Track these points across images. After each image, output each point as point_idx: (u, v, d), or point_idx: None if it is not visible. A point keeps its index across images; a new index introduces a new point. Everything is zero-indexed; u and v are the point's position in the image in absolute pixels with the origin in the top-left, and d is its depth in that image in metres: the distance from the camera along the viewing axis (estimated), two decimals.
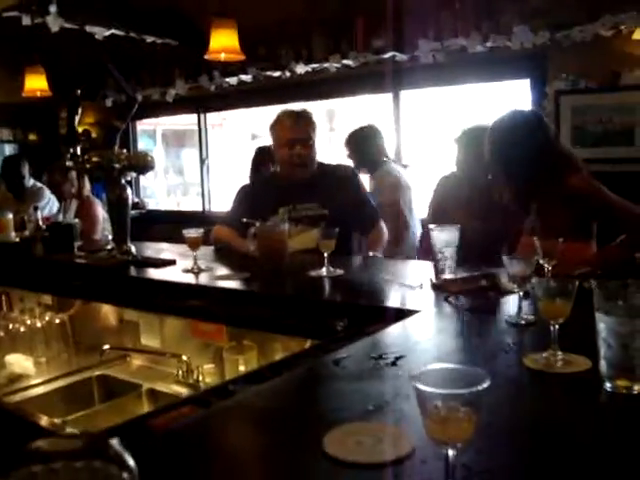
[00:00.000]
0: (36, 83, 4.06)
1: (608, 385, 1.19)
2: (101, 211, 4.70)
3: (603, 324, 1.19)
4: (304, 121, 3.06)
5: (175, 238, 3.59)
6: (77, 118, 3.11)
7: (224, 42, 2.92)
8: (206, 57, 3.05)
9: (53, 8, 4.47)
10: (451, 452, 0.77)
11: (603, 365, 1.20)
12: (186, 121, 8.86)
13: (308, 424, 1.06)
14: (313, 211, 3.03)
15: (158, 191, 9.25)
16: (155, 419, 1.08)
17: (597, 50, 4.26)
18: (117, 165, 2.79)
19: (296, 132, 3.03)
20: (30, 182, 5.26)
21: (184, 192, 9.82)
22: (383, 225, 3.17)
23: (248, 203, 3.15)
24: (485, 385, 0.74)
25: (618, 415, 1.12)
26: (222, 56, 3.00)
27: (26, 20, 4.44)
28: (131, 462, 0.47)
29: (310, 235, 2.86)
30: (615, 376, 1.18)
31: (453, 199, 3.21)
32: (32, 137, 7.82)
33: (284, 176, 3.15)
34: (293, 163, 3.04)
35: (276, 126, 3.11)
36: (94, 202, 4.76)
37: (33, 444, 0.50)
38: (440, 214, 3.18)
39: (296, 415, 1.12)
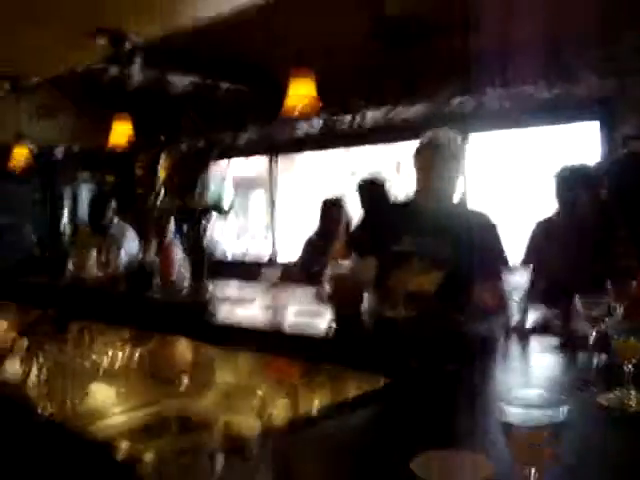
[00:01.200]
0: (123, 130, 4.28)
1: None
2: (178, 253, 4.86)
3: None
4: (439, 148, 2.97)
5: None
6: (161, 162, 3.30)
7: (302, 92, 3.04)
8: (282, 114, 3.13)
9: (138, 59, 4.74)
10: (532, 475, 0.83)
11: None
12: (257, 165, 9.10)
13: (393, 452, 1.12)
14: (440, 251, 2.90)
15: (227, 235, 9.42)
16: None
17: None
18: (197, 208, 2.94)
19: (427, 158, 2.98)
20: (115, 220, 5.47)
21: (253, 236, 9.99)
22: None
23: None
24: (566, 415, 0.80)
25: None
26: (296, 113, 3.08)
27: (113, 71, 4.73)
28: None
29: (431, 278, 2.81)
30: None
31: (554, 244, 3.20)
32: (109, 179, 8.17)
33: (417, 202, 3.07)
34: (422, 189, 3.00)
35: (417, 150, 3.06)
36: (173, 243, 4.92)
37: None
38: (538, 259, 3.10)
39: (381, 445, 1.18)
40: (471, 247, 2.85)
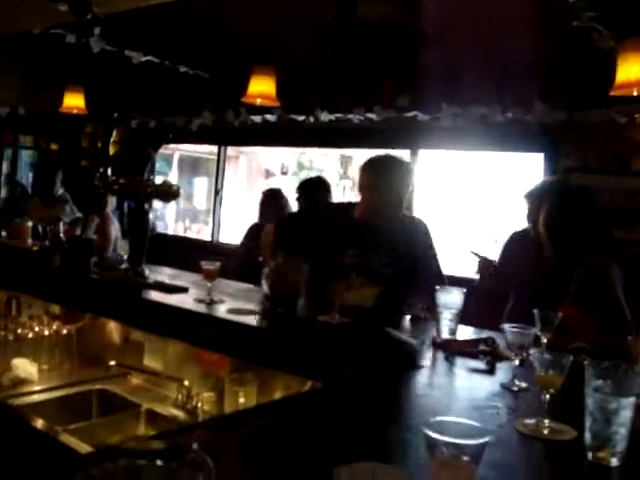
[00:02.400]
0: (74, 101, 4.22)
1: (590, 455, 1.29)
2: (114, 229, 4.83)
3: (592, 399, 1.30)
4: (384, 167, 3.06)
5: (182, 263, 3.69)
6: (111, 139, 3.26)
7: (262, 89, 3.07)
8: (243, 100, 3.18)
9: (97, 30, 4.65)
10: None
11: (587, 436, 1.31)
12: (203, 149, 9.07)
13: (317, 460, 1.17)
14: (379, 266, 2.99)
15: (168, 215, 9.40)
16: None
17: (610, 133, 4.44)
18: (145, 191, 2.92)
19: (371, 177, 3.04)
20: (60, 191, 5.39)
21: (193, 219, 9.97)
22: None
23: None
24: (486, 440, 0.85)
25: None
26: (258, 101, 3.14)
27: (70, 38, 4.62)
28: (209, 464, 0.57)
29: (370, 292, 2.91)
30: (597, 448, 1.29)
31: (522, 257, 3.26)
32: (53, 146, 7.99)
33: (360, 217, 3.08)
34: (365, 207, 3.04)
35: (369, 166, 3.12)
36: (110, 219, 4.89)
37: (124, 442, 0.61)
38: (508, 269, 3.30)
39: (306, 449, 1.22)
40: (409, 260, 2.98)
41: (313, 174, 5.03)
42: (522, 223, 3.40)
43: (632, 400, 1.27)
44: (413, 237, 3.09)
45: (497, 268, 3.42)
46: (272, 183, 8.79)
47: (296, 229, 3.20)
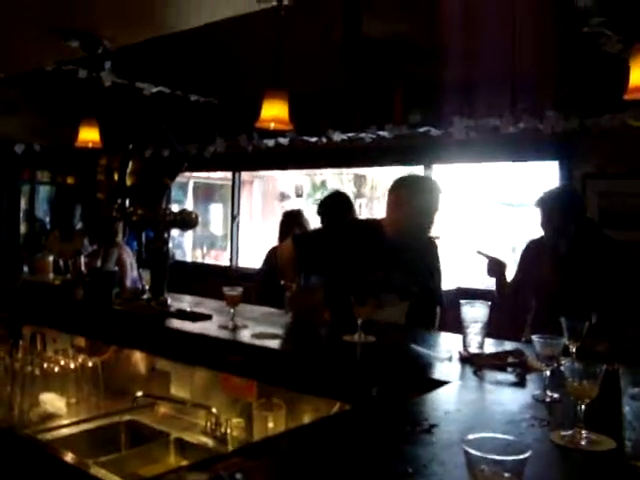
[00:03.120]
0: (89, 135, 4.27)
1: (631, 465, 1.27)
2: (128, 258, 4.86)
3: (629, 407, 1.27)
4: (420, 188, 3.11)
5: (202, 290, 3.70)
6: (127, 170, 3.28)
7: (275, 113, 3.09)
8: (256, 125, 3.20)
9: (108, 64, 4.72)
10: None
11: (628, 446, 1.28)
12: (218, 175, 9.13)
13: None
14: (407, 284, 3.05)
15: (185, 242, 9.44)
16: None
17: (624, 137, 4.42)
18: (163, 220, 2.94)
19: (433, 204, 3.05)
20: (78, 225, 5.45)
21: (210, 245, 10.01)
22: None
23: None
24: (527, 455, 0.84)
25: None
26: (272, 125, 3.16)
27: (82, 73, 4.70)
28: None
29: (400, 309, 2.97)
30: (638, 457, 1.26)
31: (539, 263, 3.31)
32: (70, 180, 8.09)
33: (392, 236, 3.07)
34: (398, 225, 3.04)
35: (413, 189, 3.11)
36: (123, 249, 4.93)
37: (163, 477, 0.60)
38: (526, 277, 3.36)
39: (341, 472, 1.21)
40: (430, 278, 3.12)
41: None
42: (538, 231, 3.41)
43: None
44: (432, 256, 3.22)
45: (515, 276, 3.46)
46: (287, 206, 8.82)
47: (319, 248, 3.18)
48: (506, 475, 0.85)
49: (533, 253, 3.40)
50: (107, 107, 5.14)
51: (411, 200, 3.02)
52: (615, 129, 4.39)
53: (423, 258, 3.13)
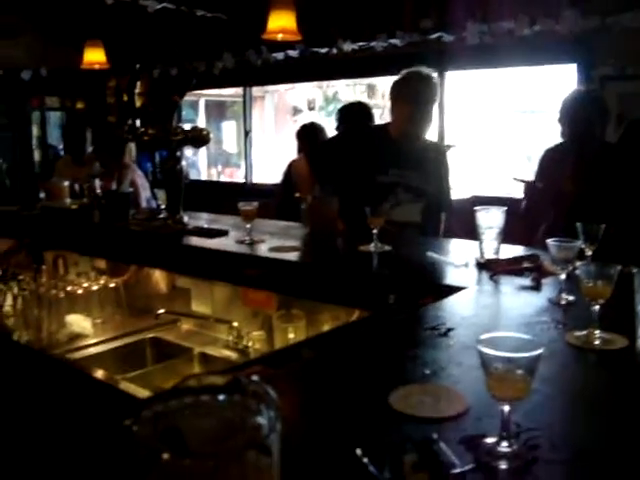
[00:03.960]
0: (95, 56, 4.20)
1: None
2: (139, 179, 4.87)
3: None
4: (425, 81, 3.12)
5: (218, 208, 3.71)
6: (136, 91, 3.25)
7: (282, 23, 3.01)
8: (264, 37, 3.13)
9: None
10: (507, 408, 0.89)
11: None
12: (228, 92, 9.01)
13: (373, 384, 1.20)
14: (421, 183, 3.11)
15: (199, 162, 9.42)
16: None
17: None
18: (175, 139, 2.92)
19: (424, 93, 3.08)
20: (89, 149, 5.43)
21: (225, 163, 9.98)
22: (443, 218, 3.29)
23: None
24: (539, 352, 0.86)
25: None
26: (279, 36, 3.08)
27: None
28: (273, 396, 0.58)
29: (416, 208, 3.05)
30: None
31: (560, 170, 3.23)
32: (79, 105, 8.02)
33: (399, 135, 3.14)
34: (408, 119, 3.08)
35: (404, 82, 3.15)
36: (136, 170, 4.94)
37: (183, 381, 0.62)
38: (545, 184, 3.29)
39: (361, 376, 1.25)
40: (440, 179, 3.18)
41: (340, 107, 4.93)
42: (555, 138, 3.35)
43: None
44: (440, 163, 3.26)
45: (534, 185, 3.40)
46: (300, 120, 8.71)
47: (332, 156, 3.23)
48: (519, 372, 0.87)
49: (553, 161, 3.33)
50: (111, 27, 5.05)
51: (402, 94, 3.10)
52: (636, 28, 4.24)
53: (432, 162, 3.18)
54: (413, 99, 3.05)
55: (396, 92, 3.16)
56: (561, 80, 5.29)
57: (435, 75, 3.24)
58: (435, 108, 3.19)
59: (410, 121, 3.08)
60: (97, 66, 4.26)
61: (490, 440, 0.94)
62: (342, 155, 3.15)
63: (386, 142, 3.14)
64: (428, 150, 3.21)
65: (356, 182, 3.02)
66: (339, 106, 4.94)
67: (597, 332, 1.44)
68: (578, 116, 3.13)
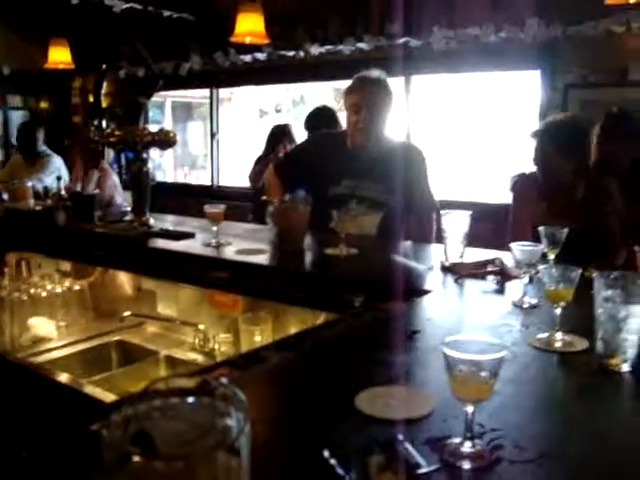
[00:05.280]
0: (60, 55, 4.15)
1: (602, 363, 1.33)
2: (109, 180, 4.84)
3: (602, 309, 1.32)
4: (372, 86, 3.00)
5: (185, 210, 3.70)
6: (102, 91, 3.22)
7: (250, 26, 3.01)
8: (232, 39, 3.13)
9: None
10: (470, 409, 0.91)
11: (599, 345, 1.34)
12: (195, 94, 8.96)
13: (339, 386, 1.21)
14: (377, 194, 2.99)
15: (166, 164, 9.35)
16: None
17: (607, 45, 4.36)
18: (142, 140, 2.90)
19: (360, 96, 2.98)
20: (42, 148, 5.38)
21: (191, 165, 9.92)
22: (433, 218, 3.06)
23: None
24: (502, 354, 0.88)
25: (607, 388, 1.27)
26: (247, 39, 3.08)
27: None
28: (241, 398, 0.59)
29: (372, 220, 2.89)
30: (608, 356, 1.32)
31: (535, 199, 3.06)
32: (43, 105, 7.91)
33: (351, 144, 3.07)
34: (355, 128, 3.00)
35: (350, 88, 3.08)
36: (108, 173, 4.90)
37: (152, 384, 0.63)
38: (523, 215, 3.05)
39: (327, 378, 1.26)
40: (404, 187, 2.95)
41: (308, 110, 4.97)
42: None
43: None
44: (407, 163, 3.04)
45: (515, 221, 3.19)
46: (267, 122, 8.71)
47: (294, 165, 3.20)
48: (483, 375, 0.89)
49: (529, 193, 3.12)
50: (77, 26, 4.99)
51: (365, 98, 2.98)
52: (598, 36, 4.33)
53: (397, 169, 2.97)
54: (360, 105, 2.97)
55: (345, 99, 3.08)
56: (526, 86, 5.38)
57: (386, 78, 3.08)
58: (391, 112, 3.07)
59: (359, 129, 2.99)
60: (62, 65, 4.21)
61: (454, 441, 0.96)
62: (304, 163, 3.13)
63: (342, 151, 3.06)
64: (393, 155, 3.03)
65: (316, 190, 2.91)
66: (305, 109, 4.99)
67: (559, 334, 1.47)
68: (543, 151, 2.99)
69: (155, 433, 0.56)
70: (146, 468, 0.52)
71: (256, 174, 4.89)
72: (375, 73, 3.06)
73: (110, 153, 5.25)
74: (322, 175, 3.01)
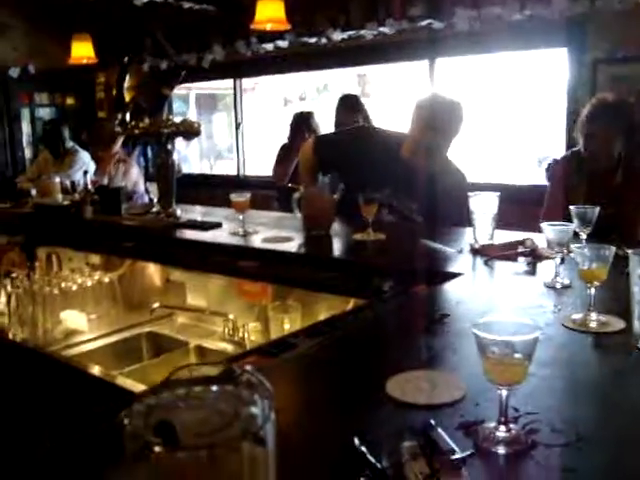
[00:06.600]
0: (83, 50, 4.17)
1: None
2: (135, 173, 4.88)
3: (638, 287, 1.28)
4: (446, 113, 2.92)
5: (212, 201, 3.70)
6: (125, 84, 3.22)
7: (270, 13, 2.99)
8: (252, 27, 3.11)
9: None
10: (504, 392, 0.89)
11: (636, 325, 1.30)
12: (219, 85, 8.96)
13: (369, 371, 1.19)
14: (408, 211, 2.94)
15: (192, 155, 9.38)
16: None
17: (636, 18, 4.26)
18: (166, 131, 2.91)
19: (433, 117, 2.90)
20: (69, 144, 5.44)
21: (217, 156, 9.94)
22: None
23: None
24: (536, 335, 0.85)
25: None
26: (268, 26, 3.06)
27: None
28: (266, 386, 0.57)
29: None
30: None
31: (573, 182, 3.05)
32: (70, 101, 7.97)
33: (409, 155, 2.99)
34: (419, 145, 2.92)
35: (419, 102, 3.00)
36: (132, 164, 4.94)
37: (177, 372, 0.61)
38: (562, 196, 3.01)
39: (357, 364, 1.24)
40: (438, 208, 2.86)
41: (332, 97, 4.98)
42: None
43: None
44: (449, 186, 2.94)
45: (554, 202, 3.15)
46: (292, 110, 8.69)
47: (340, 149, 3.10)
48: (517, 356, 0.86)
49: (567, 177, 3.07)
50: (99, 21, 5.01)
51: (437, 122, 2.89)
52: (626, 10, 4.22)
53: (436, 186, 2.91)
54: (431, 126, 2.89)
55: (415, 111, 2.98)
56: (553, 64, 5.28)
57: (457, 101, 2.97)
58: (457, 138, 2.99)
59: (424, 148, 2.92)
60: (85, 60, 4.23)
61: (488, 425, 0.93)
62: (348, 153, 3.02)
63: (393, 158, 2.98)
64: (436, 179, 2.93)
65: (351, 185, 2.79)
66: (329, 96, 5.00)
67: (593, 315, 1.43)
68: (593, 131, 2.92)
69: (177, 422, 0.54)
70: (168, 458, 0.50)
71: (280, 175, 4.90)
72: (449, 95, 3.00)
73: (136, 146, 5.26)
74: (362, 174, 2.87)
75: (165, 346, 2.69)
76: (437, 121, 2.89)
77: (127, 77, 3.27)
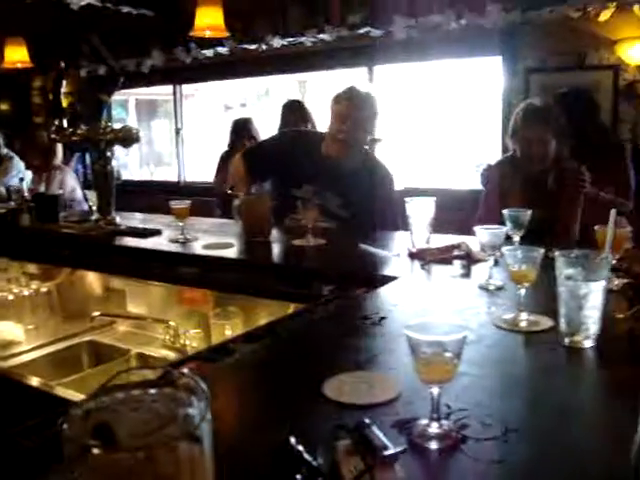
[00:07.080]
0: (17, 55, 4.08)
1: (566, 341, 1.35)
2: (71, 180, 4.80)
3: (563, 287, 1.34)
4: (361, 101, 2.97)
5: (152, 208, 3.67)
6: (62, 90, 3.17)
7: (209, 20, 2.99)
8: (191, 34, 3.11)
9: None
10: (436, 390, 0.93)
11: (562, 323, 1.36)
12: (159, 90, 8.88)
13: (307, 374, 1.22)
14: (334, 208, 2.94)
15: (131, 162, 9.27)
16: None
17: (566, 30, 4.42)
18: (104, 138, 2.88)
19: (349, 107, 2.94)
20: (4, 151, 5.31)
21: (157, 163, 9.84)
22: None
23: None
24: (464, 335, 0.89)
25: (571, 364, 1.31)
26: (207, 33, 3.06)
27: None
28: (203, 388, 0.59)
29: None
30: (571, 333, 1.35)
31: (508, 186, 3.09)
32: (4, 107, 7.79)
33: (327, 151, 3.04)
34: (336, 138, 2.98)
35: (336, 97, 3.03)
36: (67, 171, 4.86)
37: (117, 376, 0.63)
38: (497, 200, 3.03)
39: (295, 367, 1.27)
40: (366, 204, 2.96)
41: (273, 103, 5.01)
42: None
43: (601, 284, 1.32)
44: (374, 182, 3.04)
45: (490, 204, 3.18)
46: (232, 116, 8.67)
47: (263, 158, 3.17)
48: (446, 355, 0.90)
49: (502, 182, 3.13)
50: (35, 25, 4.91)
51: (353, 112, 2.94)
52: (556, 21, 4.38)
53: (363, 182, 3.00)
54: (346, 116, 2.94)
55: (332, 106, 3.03)
56: (487, 72, 5.43)
57: (375, 96, 3.04)
58: (373, 131, 3.06)
59: (340, 139, 2.97)
60: (20, 65, 4.13)
61: (422, 422, 0.97)
62: (274, 157, 3.08)
63: (314, 156, 3.03)
64: (361, 175, 3.01)
65: (275, 188, 2.98)
66: (270, 102, 5.04)
67: (523, 314, 1.50)
68: (529, 135, 2.99)
69: (117, 425, 0.56)
70: (107, 460, 0.52)
71: (220, 183, 4.86)
72: (366, 88, 3.07)
73: (66, 153, 5.17)
74: (287, 174, 2.98)
75: (106, 355, 2.66)
76: (353, 114, 2.94)
77: (64, 82, 3.21)
